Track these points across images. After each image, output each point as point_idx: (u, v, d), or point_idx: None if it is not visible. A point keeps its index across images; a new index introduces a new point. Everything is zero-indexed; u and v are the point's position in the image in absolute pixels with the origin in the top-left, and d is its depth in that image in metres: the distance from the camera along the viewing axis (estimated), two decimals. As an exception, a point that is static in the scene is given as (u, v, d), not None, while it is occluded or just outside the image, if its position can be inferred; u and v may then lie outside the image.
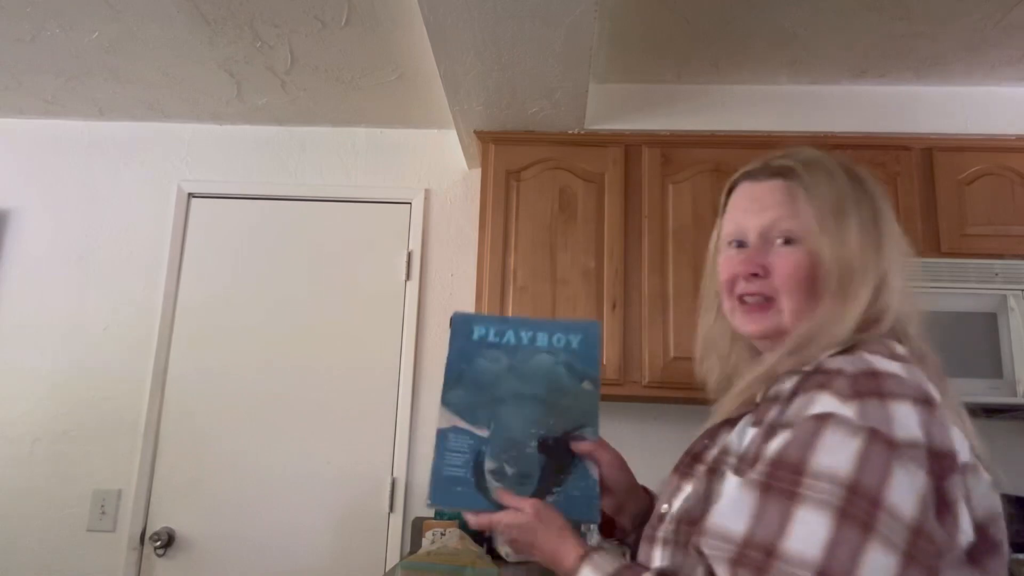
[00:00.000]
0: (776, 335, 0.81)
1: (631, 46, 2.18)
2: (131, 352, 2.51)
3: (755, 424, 0.73)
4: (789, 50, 2.17)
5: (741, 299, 0.83)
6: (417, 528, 2.34)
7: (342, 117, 2.63)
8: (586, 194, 2.25)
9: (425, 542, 2.10)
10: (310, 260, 2.59)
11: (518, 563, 2.12)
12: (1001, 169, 2.20)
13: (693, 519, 0.72)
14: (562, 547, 0.79)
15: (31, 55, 2.26)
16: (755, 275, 0.81)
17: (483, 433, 0.89)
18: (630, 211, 2.24)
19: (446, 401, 0.92)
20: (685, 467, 0.80)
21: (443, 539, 2.02)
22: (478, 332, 0.93)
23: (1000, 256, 2.10)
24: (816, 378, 0.69)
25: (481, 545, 2.15)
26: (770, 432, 0.69)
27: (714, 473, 0.74)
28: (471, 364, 0.93)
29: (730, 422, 0.78)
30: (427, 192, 2.63)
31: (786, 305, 0.79)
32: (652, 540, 0.78)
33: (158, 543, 2.35)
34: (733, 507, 0.66)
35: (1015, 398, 1.96)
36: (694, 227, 2.20)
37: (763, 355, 0.84)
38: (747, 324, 0.83)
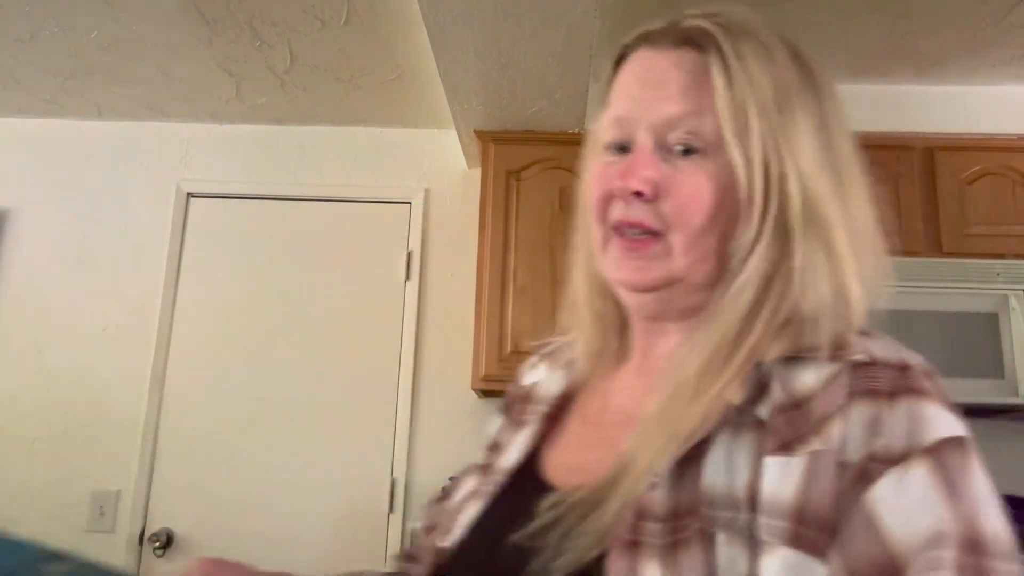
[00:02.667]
0: (664, 287, 0.55)
1: (631, 45, 2.17)
2: (130, 352, 2.50)
3: (780, 450, 0.45)
4: (790, 49, 2.16)
5: (617, 229, 0.56)
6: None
7: (342, 117, 2.62)
8: (586, 194, 2.24)
9: (425, 543, 2.09)
10: (309, 260, 2.58)
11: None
12: (1003, 168, 2.19)
13: None
14: None
15: (30, 54, 2.26)
16: (639, 195, 0.53)
17: None
18: (630, 211, 2.23)
19: None
20: (628, 532, 0.46)
21: (443, 540, 2.02)
22: None
23: (1002, 256, 2.09)
24: (884, 375, 0.46)
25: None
26: (860, 475, 0.43)
27: (705, 538, 0.44)
28: None
29: (699, 447, 0.48)
30: (427, 192, 2.62)
31: (679, 246, 0.53)
32: None
33: (157, 544, 2.34)
34: None
35: (1016, 398, 1.96)
36: (694, 227, 2.19)
37: (661, 335, 0.58)
38: (625, 270, 0.55)
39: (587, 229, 0.61)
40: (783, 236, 0.52)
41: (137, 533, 2.38)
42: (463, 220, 2.58)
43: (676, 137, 0.54)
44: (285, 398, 2.47)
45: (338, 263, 2.57)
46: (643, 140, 0.55)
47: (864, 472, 0.43)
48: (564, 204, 2.24)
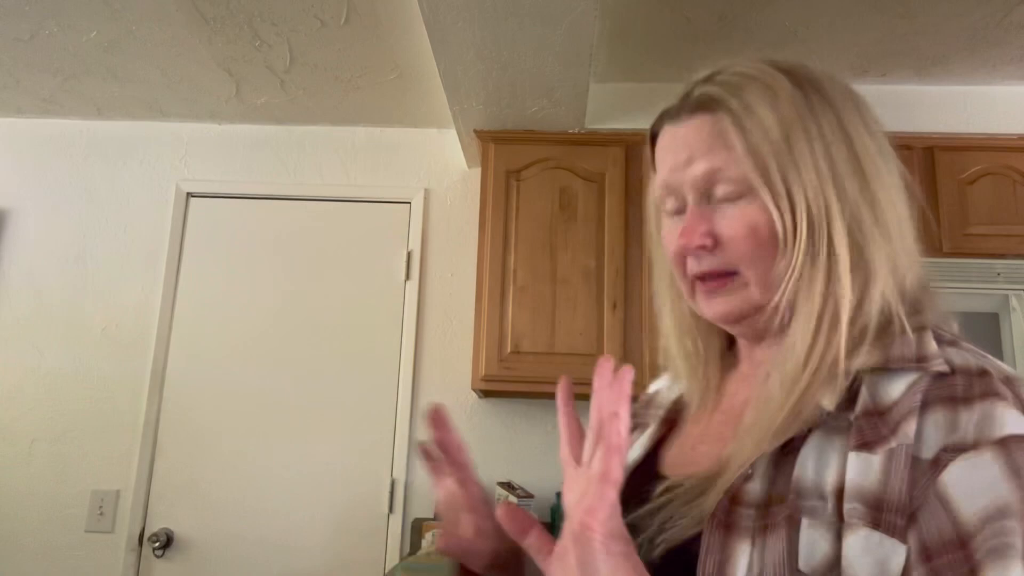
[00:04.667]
0: (752, 314, 0.63)
1: (631, 45, 2.17)
2: (129, 352, 2.50)
3: (862, 447, 0.51)
4: (790, 49, 2.16)
5: (697, 280, 0.65)
6: (417, 529, 2.33)
7: (341, 116, 2.62)
8: (586, 194, 2.24)
9: (424, 543, 2.09)
10: (309, 260, 2.58)
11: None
12: (1003, 168, 2.19)
13: None
14: None
15: (29, 54, 2.26)
16: (703, 247, 0.62)
17: None
18: (630, 211, 2.23)
19: None
20: (725, 515, 0.54)
21: (443, 540, 2.02)
22: None
23: (1002, 256, 2.09)
24: (962, 382, 0.51)
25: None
26: (912, 463, 0.49)
27: (792, 523, 0.51)
28: None
29: (790, 444, 0.55)
30: (427, 192, 2.62)
31: (752, 277, 0.61)
32: None
33: (156, 544, 2.34)
34: None
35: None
36: (695, 227, 2.19)
37: (758, 348, 0.66)
38: (714, 307, 0.64)
39: (669, 280, 0.71)
40: (827, 255, 0.59)
41: (137, 533, 2.38)
42: (463, 220, 2.58)
43: (714, 189, 0.62)
44: (285, 398, 2.47)
45: (338, 263, 2.57)
46: (690, 200, 0.63)
47: (936, 461, 0.48)
48: (564, 204, 2.24)
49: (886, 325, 0.57)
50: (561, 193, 2.25)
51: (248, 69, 2.31)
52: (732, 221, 0.61)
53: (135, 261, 2.58)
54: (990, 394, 0.49)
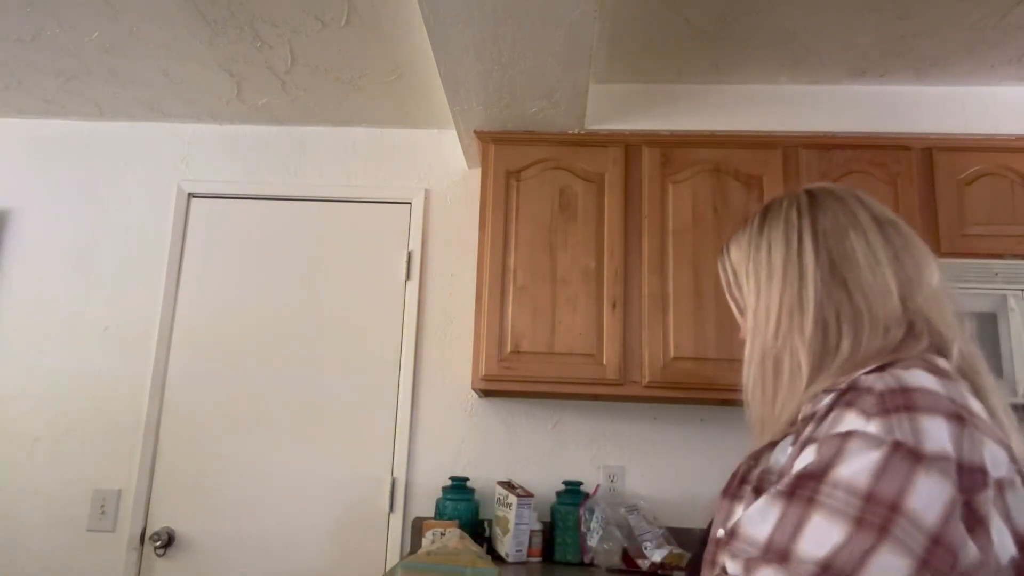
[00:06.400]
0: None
1: (631, 46, 2.18)
2: (131, 352, 2.51)
3: (794, 444, 0.73)
4: (789, 50, 2.17)
5: None
6: (417, 528, 2.34)
7: (342, 117, 2.63)
8: (586, 194, 2.25)
9: (425, 542, 2.10)
10: (310, 260, 2.59)
11: (518, 563, 2.12)
12: (1001, 169, 2.20)
13: None
14: None
15: (31, 55, 2.26)
16: None
17: None
18: (630, 211, 2.24)
19: None
20: (735, 489, 0.78)
21: (443, 539, 2.02)
22: None
23: (1000, 256, 2.10)
24: (846, 396, 0.69)
25: (481, 545, 2.15)
26: (801, 448, 0.70)
27: (760, 493, 0.72)
28: None
29: (774, 443, 0.78)
30: (427, 192, 2.63)
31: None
32: (713, 565, 0.77)
33: (158, 543, 2.35)
34: (760, 514, 0.67)
35: (1015, 398, 1.96)
36: (694, 227, 2.20)
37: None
38: None
39: None
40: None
41: (138, 532, 2.38)
42: (463, 220, 2.59)
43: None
44: (285, 398, 2.48)
45: (338, 263, 2.58)
46: None
47: (802, 447, 0.70)
48: (564, 204, 2.25)
49: (862, 364, 0.75)
50: (561, 193, 2.25)
51: (249, 70, 2.31)
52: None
53: (137, 261, 2.59)
54: (851, 404, 0.67)
